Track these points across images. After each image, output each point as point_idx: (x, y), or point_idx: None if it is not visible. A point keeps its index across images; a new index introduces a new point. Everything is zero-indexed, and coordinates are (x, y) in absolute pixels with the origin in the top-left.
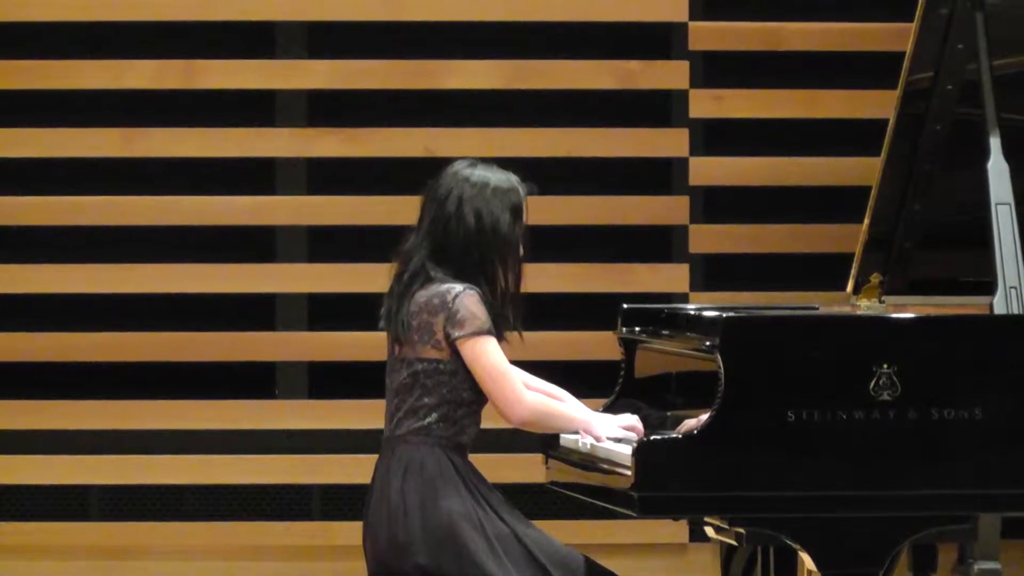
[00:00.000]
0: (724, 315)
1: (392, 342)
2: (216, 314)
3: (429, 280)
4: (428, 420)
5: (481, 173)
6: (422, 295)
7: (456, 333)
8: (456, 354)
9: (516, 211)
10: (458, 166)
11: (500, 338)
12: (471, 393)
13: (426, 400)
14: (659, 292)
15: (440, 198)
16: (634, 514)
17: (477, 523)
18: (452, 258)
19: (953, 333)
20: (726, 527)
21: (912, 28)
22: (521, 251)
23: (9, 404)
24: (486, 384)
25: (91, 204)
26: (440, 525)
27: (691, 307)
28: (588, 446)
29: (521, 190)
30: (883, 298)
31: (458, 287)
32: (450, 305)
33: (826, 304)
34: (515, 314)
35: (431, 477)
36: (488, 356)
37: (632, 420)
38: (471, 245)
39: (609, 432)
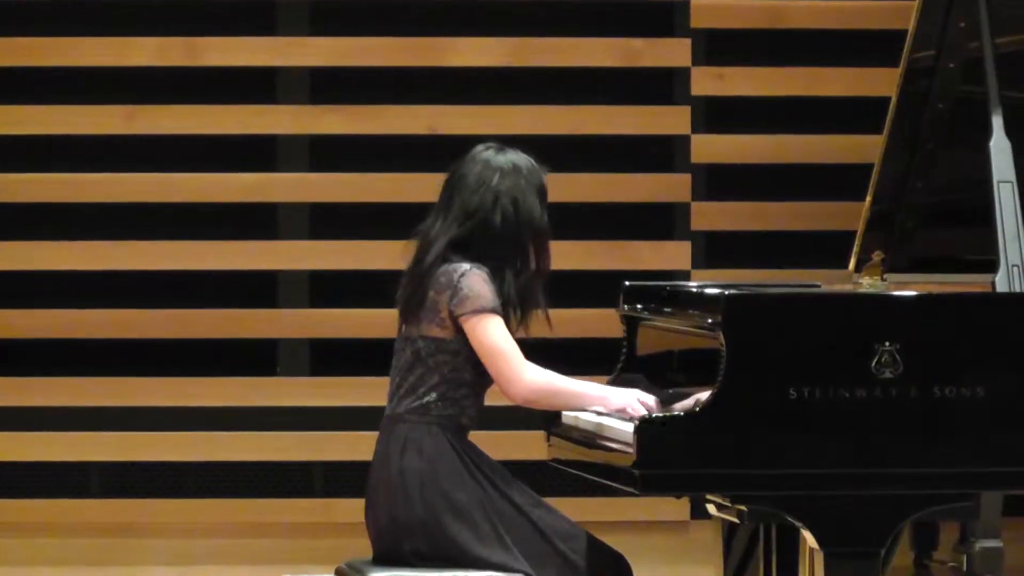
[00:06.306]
0: (726, 293)
1: (401, 321)
2: (218, 291)
3: (445, 262)
4: (427, 399)
5: (510, 159)
6: (434, 276)
7: (459, 311)
8: (460, 333)
9: (543, 194)
10: (487, 153)
11: (508, 319)
12: (473, 374)
13: (426, 379)
14: (661, 270)
15: (472, 186)
16: (636, 492)
17: (480, 507)
18: (484, 245)
19: (955, 311)
20: (728, 505)
21: (914, 6)
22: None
23: (9, 381)
24: (487, 361)
25: (93, 181)
26: (439, 514)
27: (693, 285)
28: (594, 424)
29: (542, 171)
30: (885, 276)
31: (465, 266)
32: (455, 283)
33: (828, 282)
34: (543, 294)
35: (431, 459)
36: (490, 334)
37: (649, 398)
38: (509, 233)
39: (628, 402)
